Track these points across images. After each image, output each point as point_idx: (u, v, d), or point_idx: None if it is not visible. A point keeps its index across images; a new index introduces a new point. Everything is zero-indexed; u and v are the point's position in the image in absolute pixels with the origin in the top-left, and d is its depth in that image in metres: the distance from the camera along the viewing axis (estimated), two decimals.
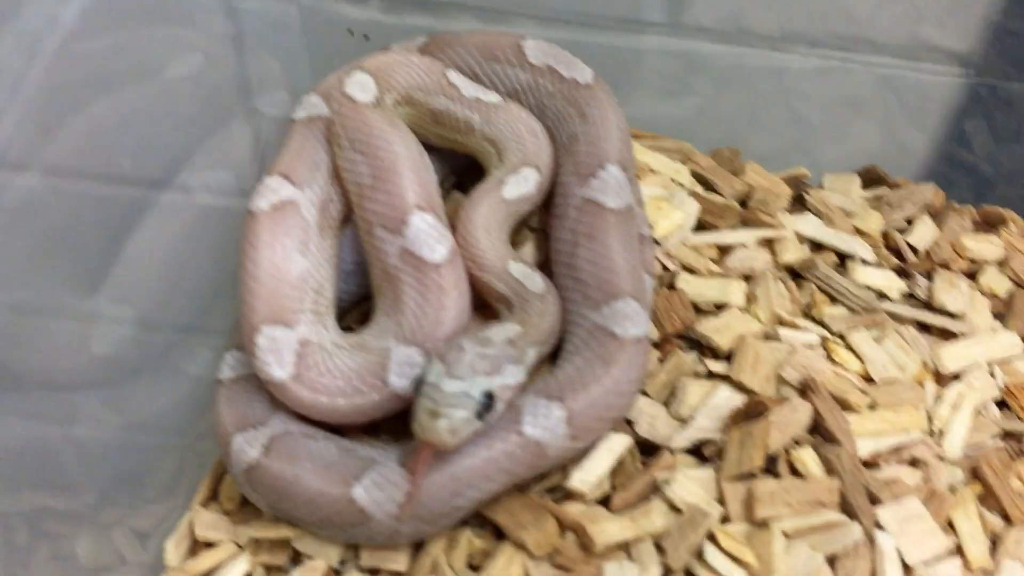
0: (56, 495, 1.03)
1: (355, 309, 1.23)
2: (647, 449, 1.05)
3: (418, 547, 0.99)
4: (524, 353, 1.01)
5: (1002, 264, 1.30)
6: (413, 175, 1.10)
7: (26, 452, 1.00)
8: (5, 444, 0.98)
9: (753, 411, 1.03)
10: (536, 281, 1.13)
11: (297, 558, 1.02)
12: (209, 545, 1.05)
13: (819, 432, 1.03)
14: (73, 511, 1.04)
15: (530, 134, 1.23)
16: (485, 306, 1.18)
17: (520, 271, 1.13)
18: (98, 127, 1.06)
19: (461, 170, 1.35)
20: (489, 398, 0.92)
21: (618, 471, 1.02)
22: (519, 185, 1.18)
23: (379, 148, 1.11)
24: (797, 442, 1.02)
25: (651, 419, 1.06)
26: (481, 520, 1.00)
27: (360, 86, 1.16)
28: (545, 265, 1.23)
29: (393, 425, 1.10)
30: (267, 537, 1.02)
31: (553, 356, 1.12)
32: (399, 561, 0.99)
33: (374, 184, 1.10)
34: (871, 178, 1.42)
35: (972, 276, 1.28)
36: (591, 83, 1.23)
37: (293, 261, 1.09)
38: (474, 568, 0.98)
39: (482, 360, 0.95)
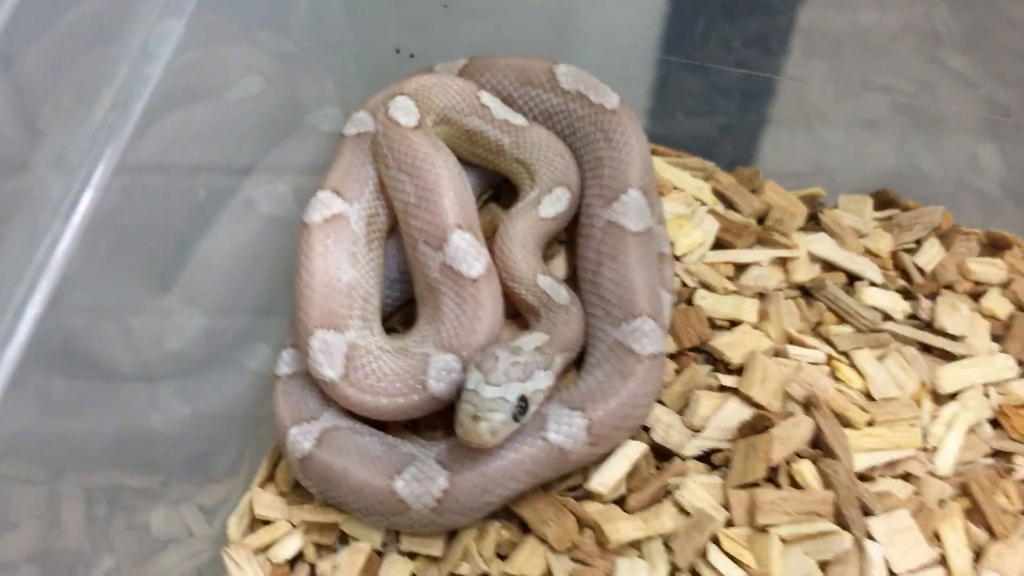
0: (132, 474, 1.15)
1: (398, 312, 1.35)
2: (661, 454, 1.16)
3: (452, 535, 1.11)
4: (552, 360, 1.12)
5: (1005, 287, 1.37)
6: (454, 196, 1.20)
7: (108, 436, 1.12)
8: (91, 429, 1.10)
9: (759, 424, 1.12)
10: (562, 293, 1.23)
11: (344, 539, 1.14)
12: (266, 523, 1.17)
13: (819, 446, 1.13)
14: (147, 488, 1.16)
15: (557, 156, 1.32)
16: (516, 315, 1.29)
17: (547, 284, 1.23)
18: (172, 140, 1.15)
19: (497, 184, 1.45)
20: (523, 401, 1.03)
21: (633, 475, 1.12)
22: (554, 204, 1.27)
23: (423, 170, 1.20)
24: (798, 455, 1.12)
25: (666, 427, 1.16)
26: (509, 514, 1.11)
27: (404, 110, 1.25)
28: (572, 278, 1.33)
29: (430, 422, 1.22)
30: (318, 520, 1.14)
31: (577, 365, 1.23)
32: (435, 547, 1.10)
33: (418, 203, 1.20)
34: (884, 200, 1.49)
35: (976, 297, 1.36)
36: (617, 109, 1.31)
37: (343, 271, 1.20)
38: (501, 557, 1.09)
39: (515, 367, 1.05)
